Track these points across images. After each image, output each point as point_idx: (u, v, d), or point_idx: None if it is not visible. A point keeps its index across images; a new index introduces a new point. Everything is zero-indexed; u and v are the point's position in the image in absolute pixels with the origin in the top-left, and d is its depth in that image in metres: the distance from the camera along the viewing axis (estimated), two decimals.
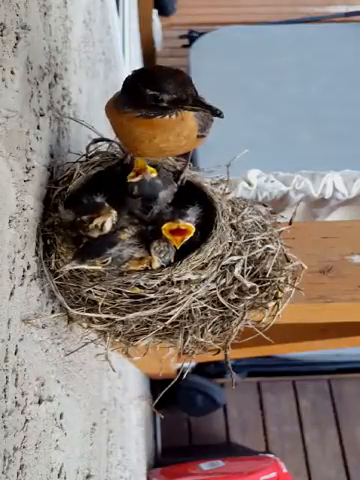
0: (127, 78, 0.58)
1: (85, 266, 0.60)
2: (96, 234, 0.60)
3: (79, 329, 0.72)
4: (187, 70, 2.58)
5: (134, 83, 0.56)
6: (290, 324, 0.83)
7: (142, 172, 0.66)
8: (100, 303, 0.63)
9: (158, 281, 0.62)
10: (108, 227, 0.61)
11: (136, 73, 0.57)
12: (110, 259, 0.61)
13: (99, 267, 0.61)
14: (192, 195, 0.71)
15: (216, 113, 0.55)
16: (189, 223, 0.63)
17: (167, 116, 0.56)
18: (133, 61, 2.45)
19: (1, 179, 0.50)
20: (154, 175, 0.67)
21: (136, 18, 2.77)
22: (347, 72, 2.45)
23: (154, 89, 0.54)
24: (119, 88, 0.59)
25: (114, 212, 0.62)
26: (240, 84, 2.36)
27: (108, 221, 0.61)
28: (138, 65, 2.86)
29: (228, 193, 0.76)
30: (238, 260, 0.67)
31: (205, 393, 2.34)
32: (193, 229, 0.63)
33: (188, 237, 0.63)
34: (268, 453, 2.12)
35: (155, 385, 2.27)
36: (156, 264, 0.63)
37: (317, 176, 1.23)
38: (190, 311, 0.64)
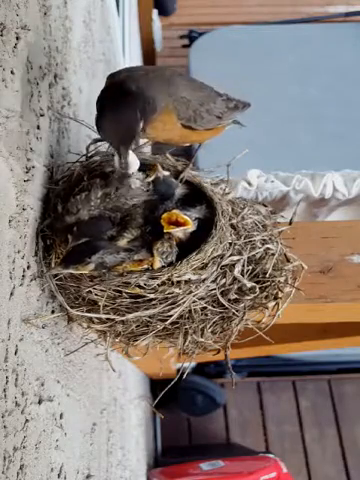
0: None
1: (70, 271, 0.61)
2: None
3: (79, 329, 0.72)
4: (187, 70, 2.58)
5: None
6: (290, 324, 0.83)
7: (155, 171, 0.68)
8: (100, 303, 0.63)
9: (158, 281, 0.62)
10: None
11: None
12: (93, 265, 0.61)
13: (85, 271, 0.61)
14: (197, 195, 0.72)
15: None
16: (187, 217, 0.64)
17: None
18: (133, 61, 2.45)
19: (1, 179, 0.50)
20: (167, 173, 0.69)
21: (136, 18, 2.77)
22: (347, 72, 2.45)
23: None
24: None
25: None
26: (240, 84, 2.35)
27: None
28: (138, 65, 2.86)
29: (228, 193, 0.76)
30: (238, 260, 0.67)
31: (205, 393, 2.34)
32: (191, 224, 0.64)
33: (182, 229, 0.63)
34: (268, 453, 2.12)
35: (155, 385, 2.27)
36: (158, 265, 0.63)
37: (317, 176, 1.22)
38: (190, 311, 0.64)
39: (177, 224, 0.64)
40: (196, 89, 0.67)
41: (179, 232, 0.64)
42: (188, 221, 0.64)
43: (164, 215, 0.64)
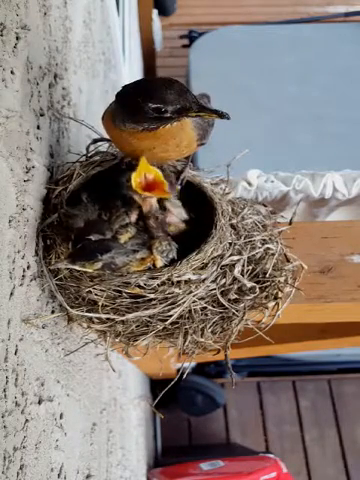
0: (122, 93, 0.58)
1: (76, 267, 0.60)
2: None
3: (79, 329, 0.72)
4: (187, 70, 2.58)
5: (132, 98, 0.57)
6: (290, 324, 0.83)
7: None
8: (100, 303, 0.63)
9: (158, 281, 0.62)
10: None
11: (132, 88, 0.57)
12: (100, 264, 0.60)
13: (89, 270, 0.61)
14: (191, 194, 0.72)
15: (223, 116, 0.55)
16: (158, 169, 0.62)
17: (169, 125, 0.57)
18: (133, 61, 2.45)
19: (1, 179, 0.50)
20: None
21: (136, 18, 2.77)
22: (347, 72, 2.45)
23: (157, 102, 0.55)
24: (119, 89, 0.59)
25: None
26: (240, 84, 2.35)
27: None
28: (138, 65, 2.86)
29: (228, 193, 0.76)
30: (238, 260, 0.67)
31: (205, 393, 2.34)
32: (161, 175, 0.62)
33: (159, 195, 0.62)
34: (268, 453, 2.12)
35: (155, 385, 2.27)
36: (160, 263, 0.63)
37: (317, 176, 1.23)
38: (190, 311, 0.64)
39: (152, 187, 0.62)
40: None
41: (154, 198, 0.63)
42: (158, 174, 0.61)
43: (133, 177, 0.61)
